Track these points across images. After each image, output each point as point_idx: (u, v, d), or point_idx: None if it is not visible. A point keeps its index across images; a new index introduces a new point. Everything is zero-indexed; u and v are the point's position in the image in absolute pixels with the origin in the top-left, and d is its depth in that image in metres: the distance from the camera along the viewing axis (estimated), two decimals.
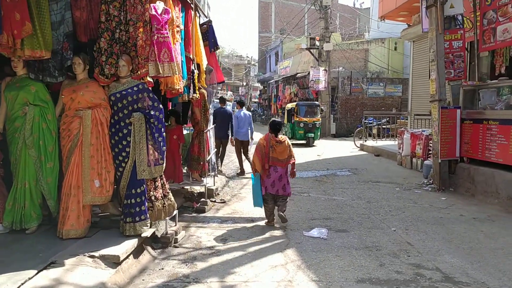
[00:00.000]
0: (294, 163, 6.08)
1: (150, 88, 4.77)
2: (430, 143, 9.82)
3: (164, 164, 4.81)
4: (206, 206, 6.89)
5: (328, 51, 22.75)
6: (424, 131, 11.00)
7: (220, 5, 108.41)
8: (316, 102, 20.14)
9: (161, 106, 4.72)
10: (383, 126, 17.30)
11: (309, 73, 23.72)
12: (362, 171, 10.82)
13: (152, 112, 4.61)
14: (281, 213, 5.94)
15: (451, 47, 8.56)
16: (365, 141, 16.34)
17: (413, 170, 10.82)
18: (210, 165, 7.49)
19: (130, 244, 4.40)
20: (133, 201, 4.56)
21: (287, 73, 29.93)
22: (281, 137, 6.00)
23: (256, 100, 53.92)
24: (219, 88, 40.72)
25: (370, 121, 22.51)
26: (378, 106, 24.30)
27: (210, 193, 7.72)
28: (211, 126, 7.67)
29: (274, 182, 5.95)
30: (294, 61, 29.26)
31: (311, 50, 23.19)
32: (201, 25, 7.56)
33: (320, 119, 18.45)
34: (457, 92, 8.64)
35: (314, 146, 17.50)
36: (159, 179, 4.97)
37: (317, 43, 22.85)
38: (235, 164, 12.22)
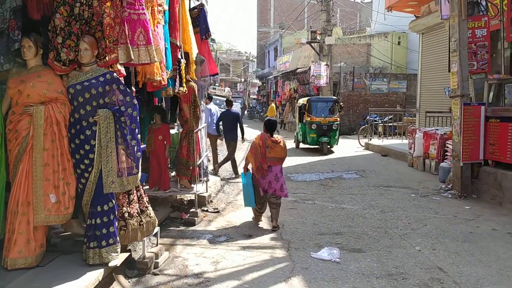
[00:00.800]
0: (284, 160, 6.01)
1: (121, 79, 3.81)
2: (447, 143, 8.88)
3: (140, 174, 3.86)
4: (196, 218, 5.94)
5: (330, 45, 21.76)
6: (437, 129, 10.05)
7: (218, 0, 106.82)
8: (333, 97, 15.76)
9: (135, 101, 3.75)
10: (389, 124, 16.33)
11: (309, 68, 22.71)
12: (370, 174, 9.88)
13: (123, 109, 3.65)
14: (274, 224, 5.72)
15: (474, 36, 7.60)
16: (370, 139, 15.40)
17: (426, 173, 9.88)
18: (202, 169, 6.53)
19: (94, 276, 3.45)
20: (98, 221, 3.61)
21: (287, 69, 28.91)
22: (276, 137, 5.88)
23: (255, 96, 52.96)
24: (217, 84, 39.68)
25: (373, 118, 21.65)
26: (382, 102, 23.37)
27: (202, 201, 6.77)
28: (202, 125, 6.70)
29: (271, 182, 5.73)
30: (294, 56, 28.25)
31: (312, 44, 22.18)
32: (191, 9, 6.59)
33: (339, 119, 14.13)
34: (480, 86, 7.69)
35: (331, 152, 13.72)
36: (135, 191, 4.02)
37: (318, 37, 21.86)
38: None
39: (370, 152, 13.96)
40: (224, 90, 29.84)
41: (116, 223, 3.71)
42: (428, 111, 12.43)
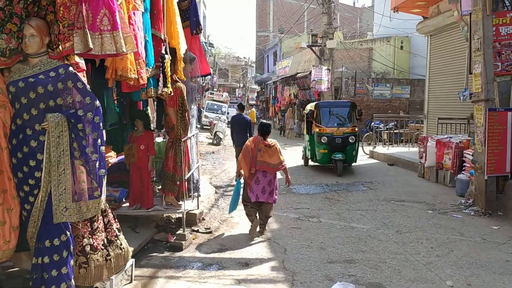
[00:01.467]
0: (286, 168, 5.69)
1: (81, 74, 2.97)
2: (466, 153, 8.06)
3: (104, 196, 3.01)
4: (184, 241, 5.09)
5: (332, 49, 20.99)
6: (451, 137, 9.24)
7: (217, 4, 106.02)
8: (348, 101, 13.06)
9: (97, 103, 2.90)
10: (394, 131, 15.52)
11: (310, 73, 21.93)
12: (378, 185, 9.04)
13: (80, 113, 2.81)
14: (261, 229, 5.63)
15: (498, 34, 6.80)
16: (374, 147, 14.58)
17: (440, 185, 9.03)
18: (192, 183, 5.68)
19: None
20: (46, 260, 2.76)
21: (286, 73, 28.16)
22: (270, 141, 5.64)
23: (254, 102, 52.28)
24: (215, 89, 38.87)
25: (376, 125, 20.87)
26: (385, 108, 22.59)
27: (192, 219, 5.92)
28: (192, 132, 5.85)
29: (264, 188, 5.51)
30: (294, 60, 27.52)
31: (313, 48, 21.42)
32: (180, 0, 5.77)
33: (357, 129, 10.90)
34: (505, 90, 6.89)
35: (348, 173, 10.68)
36: (101, 218, 3.18)
37: (319, 40, 21.11)
38: (228, 175, 10.47)
39: (376, 161, 13.13)
40: (222, 95, 29.02)
41: (72, 261, 2.86)
42: (441, 118, 11.59)
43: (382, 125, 20.85)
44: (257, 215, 5.62)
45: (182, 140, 5.09)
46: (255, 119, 24.38)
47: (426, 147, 9.67)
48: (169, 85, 4.48)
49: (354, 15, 42.55)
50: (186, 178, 5.19)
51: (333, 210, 6.97)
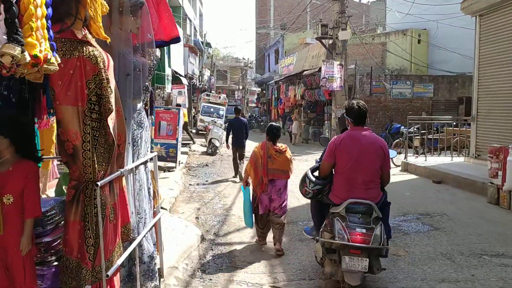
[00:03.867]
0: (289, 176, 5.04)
1: None
2: None
3: None
4: None
5: (345, 41, 18.17)
6: None
7: (213, 1, 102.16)
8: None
9: None
10: (429, 137, 12.59)
11: (319, 70, 19.11)
12: (443, 221, 6.16)
13: None
14: (278, 247, 4.77)
15: None
16: (406, 157, 11.68)
17: None
18: (140, 266, 2.76)
19: None
20: None
21: (291, 72, 25.32)
22: (280, 145, 5.05)
23: (254, 104, 49.62)
24: (212, 91, 35.88)
25: (397, 128, 18.10)
26: (405, 109, 19.76)
27: None
28: (135, 163, 2.88)
29: (273, 199, 4.92)
30: (299, 56, 24.65)
31: (323, 41, 18.57)
32: None
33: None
34: None
35: None
36: None
37: (330, 32, 18.28)
38: (224, 202, 7.59)
39: (413, 176, 10.25)
40: (220, 97, 26.13)
41: None
42: None
43: (405, 128, 18.10)
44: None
45: (100, 184, 2.15)
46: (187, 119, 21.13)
47: (505, 163, 6.78)
48: (46, 41, 1.59)
49: (359, 11, 39.82)
50: (110, 272, 2.25)
51: (397, 278, 4.07)
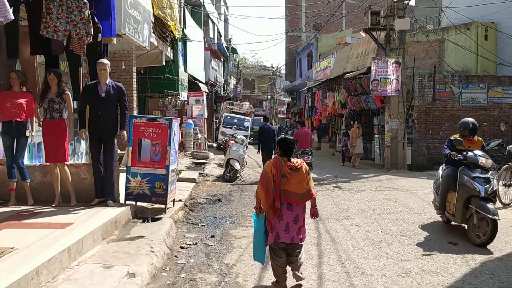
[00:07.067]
0: (315, 198, 4.19)
1: None
2: None
3: None
4: None
5: (402, 32, 14.23)
6: None
7: (240, 4, 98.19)
8: None
9: None
10: None
11: (367, 71, 15.23)
12: None
13: None
14: (297, 272, 4.00)
15: None
16: None
17: None
18: None
19: None
20: None
21: (328, 76, 21.49)
22: (295, 161, 4.18)
23: (284, 115, 46.00)
24: (238, 101, 32.34)
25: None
26: (478, 119, 15.33)
27: None
28: None
29: (288, 226, 4.07)
30: (338, 57, 20.78)
31: (373, 33, 14.66)
32: None
33: None
34: None
35: None
36: None
37: (382, 21, 14.38)
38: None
39: None
40: (244, 106, 22.58)
41: None
42: None
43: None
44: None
45: None
46: None
47: None
48: None
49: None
50: None
51: None
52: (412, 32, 21.93)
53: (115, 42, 6.11)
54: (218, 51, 30.26)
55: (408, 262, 4.86)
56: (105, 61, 5.81)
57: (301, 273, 4.02)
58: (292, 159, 4.16)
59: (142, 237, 5.17)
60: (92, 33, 5.20)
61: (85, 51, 5.73)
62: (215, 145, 22.82)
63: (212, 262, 4.86)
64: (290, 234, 4.06)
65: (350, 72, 17.67)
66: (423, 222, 6.70)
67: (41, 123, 5.85)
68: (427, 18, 27.86)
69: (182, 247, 5.39)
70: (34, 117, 5.97)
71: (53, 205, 5.74)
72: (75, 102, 6.41)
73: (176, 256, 5.03)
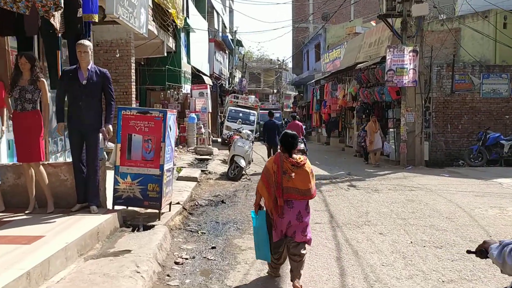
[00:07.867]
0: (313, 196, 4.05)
1: None
2: None
3: None
4: None
5: (420, 18, 13.24)
6: None
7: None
8: None
9: None
10: None
11: (381, 60, 14.26)
12: None
13: None
14: (296, 284, 3.76)
15: None
16: None
17: None
18: None
19: None
20: None
21: (337, 67, 20.50)
22: (298, 157, 4.03)
23: (290, 109, 45.03)
24: (243, 95, 31.36)
25: (494, 138, 13.06)
26: (499, 112, 14.58)
27: None
28: None
29: (290, 223, 3.92)
30: (349, 47, 19.78)
31: (389, 20, 13.65)
32: None
33: None
34: None
35: None
36: None
37: (399, 7, 13.39)
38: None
39: None
40: (250, 100, 21.66)
41: None
42: None
43: (503, 139, 13.00)
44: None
45: None
46: None
47: None
48: None
49: None
50: None
51: None
52: (426, 21, 20.87)
53: (96, 20, 5.21)
54: (223, 43, 29.32)
55: (451, 285, 3.96)
56: (87, 42, 4.92)
57: (301, 286, 3.78)
58: (294, 155, 4.01)
59: (129, 251, 4.30)
60: (62, 4, 4.29)
61: (63, 30, 4.85)
62: (220, 140, 21.96)
63: (212, 284, 4.00)
64: (292, 230, 3.94)
65: (362, 63, 16.68)
66: (457, 229, 5.79)
67: (11, 115, 5.00)
68: (441, 6, 26.71)
69: (176, 262, 4.53)
70: (5, 109, 5.12)
71: (26, 211, 4.89)
72: (53, 91, 5.53)
73: (168, 276, 4.17)
